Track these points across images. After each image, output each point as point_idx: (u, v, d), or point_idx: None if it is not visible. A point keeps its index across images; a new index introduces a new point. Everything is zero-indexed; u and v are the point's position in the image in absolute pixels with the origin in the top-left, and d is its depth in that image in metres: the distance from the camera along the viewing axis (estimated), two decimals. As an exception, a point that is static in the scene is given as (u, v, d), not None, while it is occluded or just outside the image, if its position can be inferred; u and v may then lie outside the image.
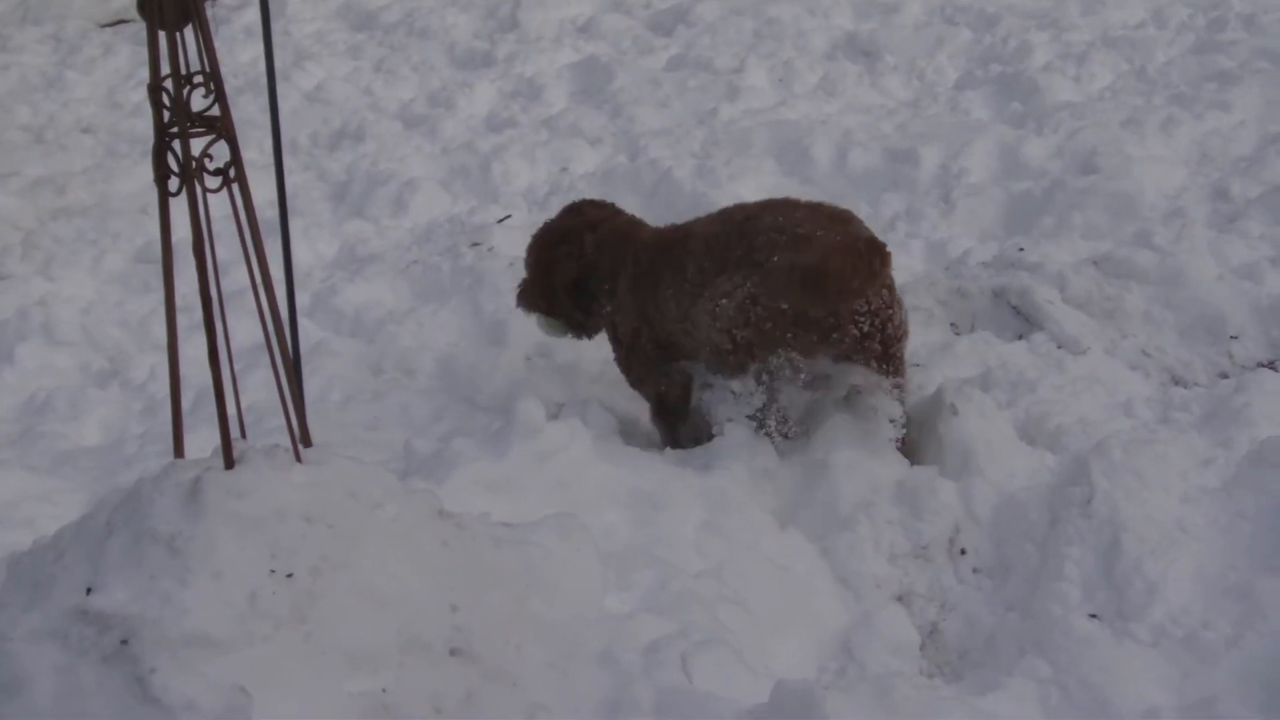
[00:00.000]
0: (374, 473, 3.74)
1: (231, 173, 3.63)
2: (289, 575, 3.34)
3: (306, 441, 3.72)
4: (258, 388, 5.62)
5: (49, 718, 3.14)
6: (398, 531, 3.58)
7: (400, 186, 8.38)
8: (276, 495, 3.45)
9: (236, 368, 6.17)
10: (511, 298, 6.15)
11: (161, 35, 3.50)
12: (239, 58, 11.46)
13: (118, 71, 11.37)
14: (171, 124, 3.53)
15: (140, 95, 10.66)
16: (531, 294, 5.95)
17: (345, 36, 12.42)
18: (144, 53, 10.44)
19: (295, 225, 6.79)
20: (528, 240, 5.96)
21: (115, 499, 3.57)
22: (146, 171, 9.02)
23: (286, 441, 3.69)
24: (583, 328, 5.93)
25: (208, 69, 3.55)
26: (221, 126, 3.60)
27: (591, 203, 6.06)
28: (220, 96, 3.59)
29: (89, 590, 3.33)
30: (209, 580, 3.27)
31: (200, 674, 3.14)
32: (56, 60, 11.64)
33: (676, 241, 5.43)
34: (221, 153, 3.59)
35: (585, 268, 5.74)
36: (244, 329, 6.65)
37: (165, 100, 3.52)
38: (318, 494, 3.51)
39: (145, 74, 10.48)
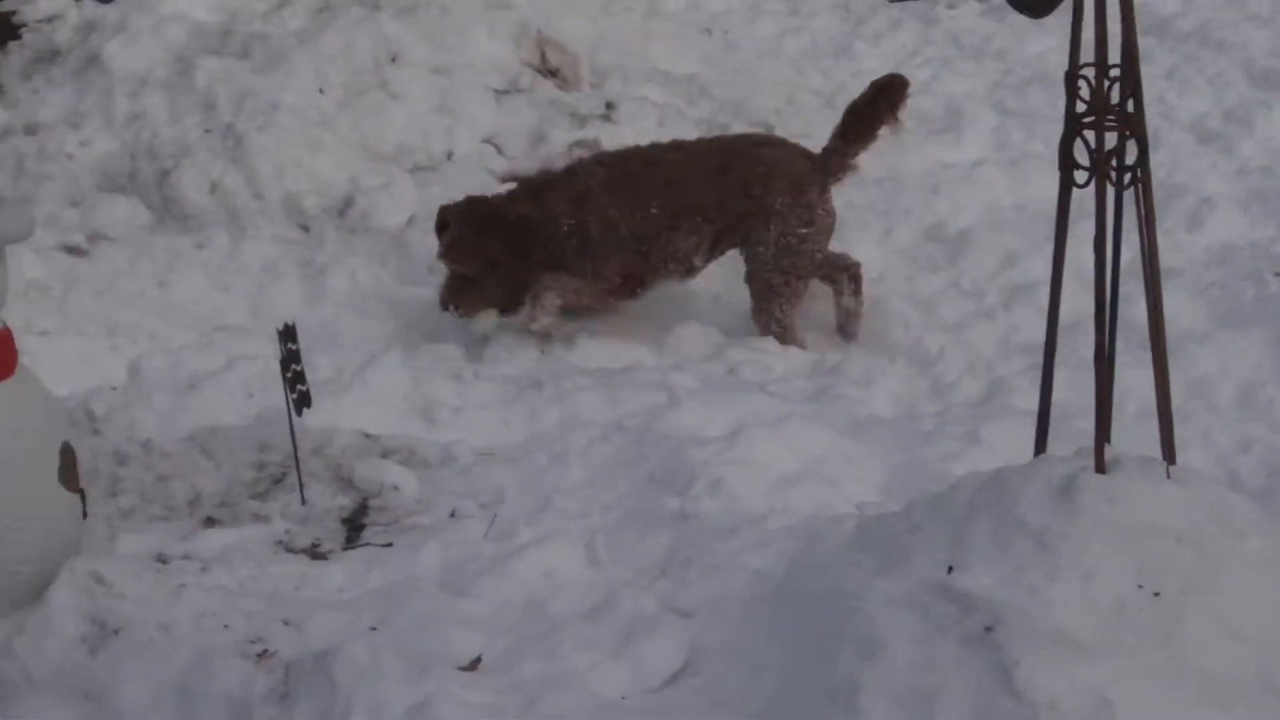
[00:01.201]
0: (1238, 501, 3.61)
1: (1139, 172, 3.56)
2: (1156, 593, 3.26)
3: (1171, 457, 3.63)
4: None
5: (906, 685, 3.20)
6: (1260, 566, 3.43)
7: (1197, 202, 8.10)
8: (1148, 508, 3.38)
9: (1024, 365, 6.17)
10: None
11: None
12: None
13: (904, 47, 11.46)
14: (1086, 115, 3.50)
15: (926, 73, 10.75)
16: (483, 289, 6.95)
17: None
18: (929, 32, 10.46)
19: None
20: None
21: (975, 481, 3.59)
22: (935, 149, 9.12)
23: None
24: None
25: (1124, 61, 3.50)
26: (1135, 123, 3.54)
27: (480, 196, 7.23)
28: (1136, 92, 3.52)
29: (950, 568, 3.36)
30: (1077, 581, 3.24)
31: (1064, 675, 3.12)
32: (846, 30, 11.88)
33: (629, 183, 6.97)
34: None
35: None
36: (1031, 326, 6.66)
37: (1081, 90, 3.49)
38: (1186, 514, 3.41)
39: (929, 53, 10.47)
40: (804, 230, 6.93)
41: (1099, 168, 3.48)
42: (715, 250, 7.15)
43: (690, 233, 7.02)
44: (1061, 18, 3.72)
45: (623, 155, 7.25)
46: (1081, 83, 3.49)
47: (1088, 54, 3.51)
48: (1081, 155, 3.53)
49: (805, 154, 7.20)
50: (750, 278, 7.04)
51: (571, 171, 7.16)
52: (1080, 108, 3.50)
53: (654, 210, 6.97)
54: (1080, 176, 3.53)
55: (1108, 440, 3.68)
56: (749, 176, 7.00)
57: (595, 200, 6.96)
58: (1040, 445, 3.70)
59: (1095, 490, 3.36)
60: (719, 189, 6.99)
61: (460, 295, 6.98)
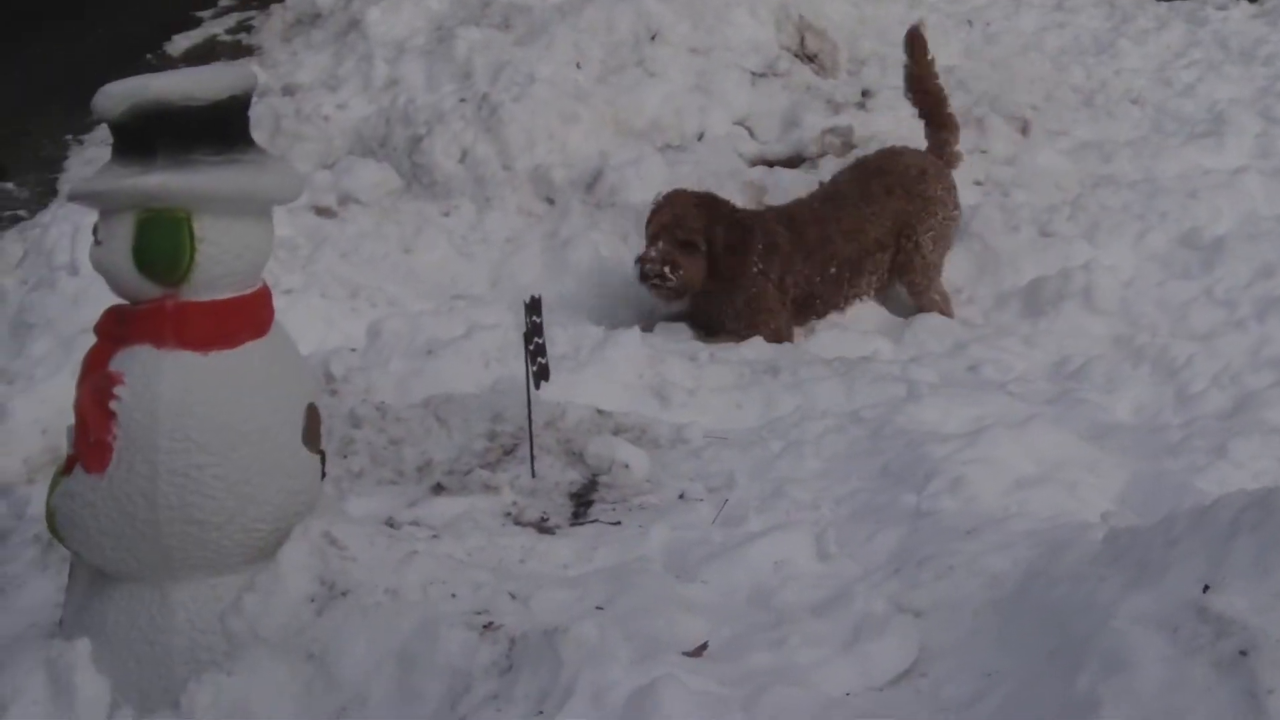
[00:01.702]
0: None
1: None
2: None
3: None
4: None
5: (1151, 705, 3.06)
6: None
7: None
8: None
9: (1274, 378, 5.93)
10: None
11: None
12: None
13: (1169, 48, 11.15)
14: None
15: (1191, 75, 10.42)
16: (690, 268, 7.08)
17: None
18: (1196, 32, 10.09)
19: None
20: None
21: (1240, 500, 3.41)
22: (1194, 153, 8.83)
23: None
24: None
25: None
26: None
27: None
28: None
29: (1205, 588, 3.21)
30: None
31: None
32: (1110, 27, 11.60)
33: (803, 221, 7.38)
34: None
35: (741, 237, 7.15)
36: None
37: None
38: None
39: (1195, 54, 10.10)
40: (956, 212, 7.69)
41: None
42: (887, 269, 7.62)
43: (870, 272, 7.50)
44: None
45: (802, 220, 7.45)
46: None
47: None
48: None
49: (926, 153, 7.89)
50: (910, 267, 7.53)
51: (764, 219, 7.43)
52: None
53: (833, 270, 7.35)
54: None
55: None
56: (909, 179, 7.56)
57: (784, 255, 7.22)
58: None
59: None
60: (892, 210, 7.50)
61: (679, 262, 7.05)
